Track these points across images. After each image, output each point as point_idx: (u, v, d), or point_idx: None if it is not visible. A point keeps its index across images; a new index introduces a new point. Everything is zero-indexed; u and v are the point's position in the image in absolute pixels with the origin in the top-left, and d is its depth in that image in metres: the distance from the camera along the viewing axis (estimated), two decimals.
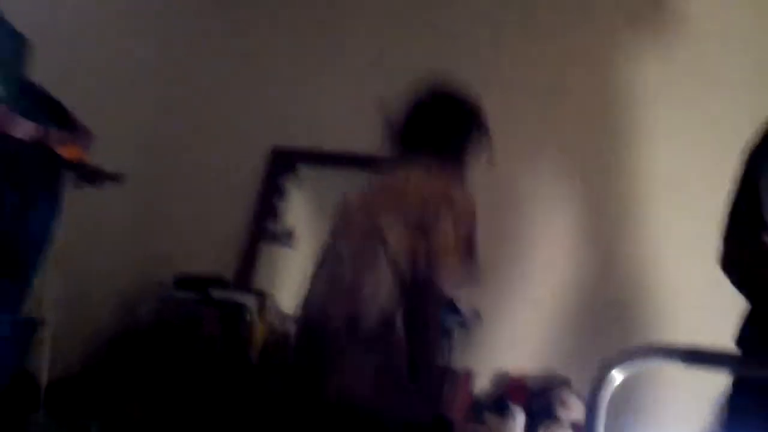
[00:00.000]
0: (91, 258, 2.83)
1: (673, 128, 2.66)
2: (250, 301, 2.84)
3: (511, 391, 2.55)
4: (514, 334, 2.71)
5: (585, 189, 2.78)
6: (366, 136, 2.25)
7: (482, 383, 2.65)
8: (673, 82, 2.69)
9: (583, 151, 2.79)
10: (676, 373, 1.02)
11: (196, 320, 2.80)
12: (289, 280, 2.97)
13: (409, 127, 1.95)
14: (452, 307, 2.58)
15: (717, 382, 1.21)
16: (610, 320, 2.59)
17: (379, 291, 1.71)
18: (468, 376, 2.56)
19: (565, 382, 2.51)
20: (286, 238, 3.08)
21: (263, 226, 3.11)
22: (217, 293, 2.86)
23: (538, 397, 2.49)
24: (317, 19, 3.35)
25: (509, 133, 2.30)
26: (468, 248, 1.82)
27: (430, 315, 1.81)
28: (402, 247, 1.74)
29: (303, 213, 3.10)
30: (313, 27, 3.34)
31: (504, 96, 2.68)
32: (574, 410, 2.42)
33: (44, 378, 2.37)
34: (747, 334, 1.24)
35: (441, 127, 1.93)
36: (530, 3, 2.99)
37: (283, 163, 3.18)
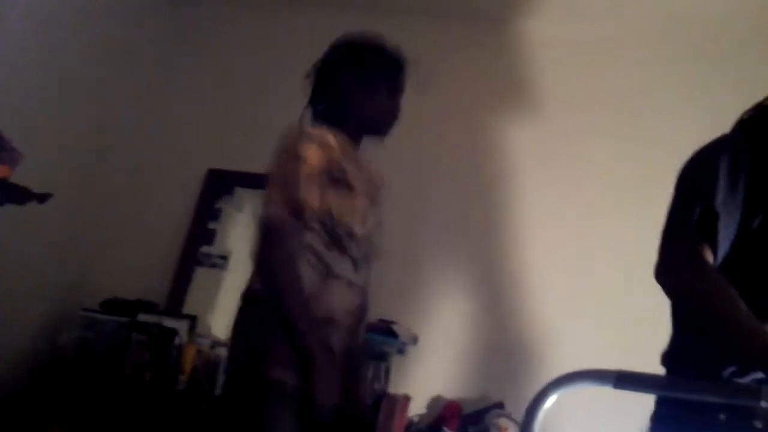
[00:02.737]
0: (12, 280, 2.69)
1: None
2: (180, 325, 2.77)
3: (446, 415, 2.56)
4: (450, 360, 2.74)
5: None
6: None
7: (418, 408, 2.66)
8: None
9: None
10: (606, 393, 1.06)
11: (122, 346, 2.71)
12: (222, 304, 2.92)
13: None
14: (390, 332, 2.59)
15: (644, 400, 1.26)
16: (542, 347, 2.67)
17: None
18: (405, 400, 2.57)
19: (499, 406, 2.55)
20: (220, 261, 3.03)
21: (197, 249, 3.05)
22: (145, 318, 2.78)
23: (472, 421, 2.52)
24: (256, 43, 3.38)
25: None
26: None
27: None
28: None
29: (240, 235, 3.06)
30: (251, 51, 3.38)
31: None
32: None
33: None
34: (677, 351, 1.29)
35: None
36: None
37: (219, 185, 3.14)
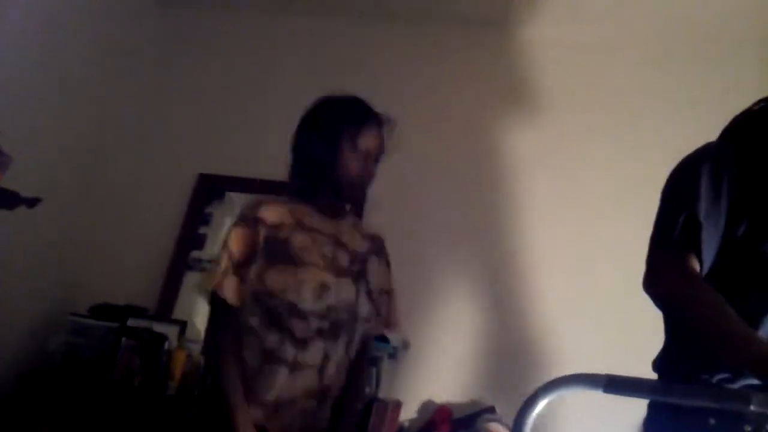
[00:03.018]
0: (1, 284, 2.66)
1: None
2: (170, 330, 2.76)
3: (437, 420, 2.56)
4: (441, 365, 2.74)
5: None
6: None
7: (409, 413, 2.66)
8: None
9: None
10: (598, 398, 1.06)
11: (112, 351, 2.69)
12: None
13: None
14: (381, 337, 2.59)
15: (636, 406, 1.26)
16: (534, 353, 2.67)
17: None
18: (396, 406, 2.56)
19: (489, 410, 2.55)
20: (211, 265, 3.01)
21: (187, 254, 3.04)
22: (135, 323, 2.76)
23: (463, 425, 2.52)
24: (248, 49, 3.39)
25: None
26: (389, 291, 1.78)
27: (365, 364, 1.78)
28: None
29: None
30: (244, 56, 3.38)
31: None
32: None
33: None
34: (668, 358, 1.29)
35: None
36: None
37: (210, 190, 3.13)
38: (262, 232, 1.55)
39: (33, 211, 2.23)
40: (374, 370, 2.58)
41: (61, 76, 2.91)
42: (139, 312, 2.84)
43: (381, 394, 2.59)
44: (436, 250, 2.89)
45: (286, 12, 3.37)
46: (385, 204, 2.88)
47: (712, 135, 1.34)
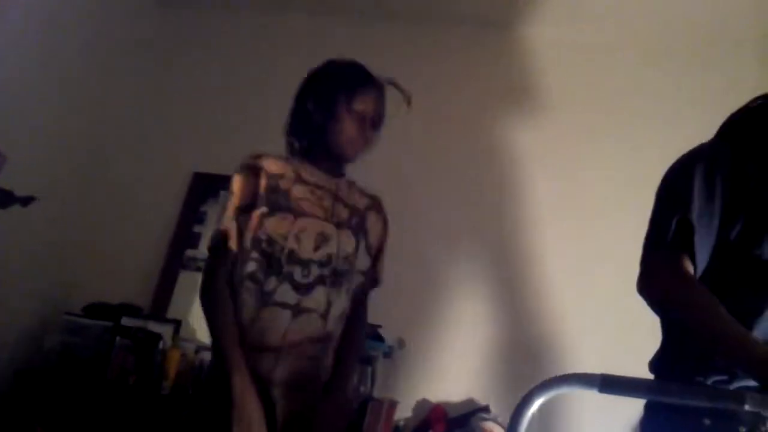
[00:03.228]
0: None
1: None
2: (164, 329, 2.76)
3: (432, 419, 2.56)
4: (437, 364, 2.74)
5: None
6: None
7: (404, 412, 2.66)
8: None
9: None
10: (593, 398, 1.07)
11: (106, 350, 2.68)
12: None
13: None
14: (376, 336, 2.59)
15: (632, 406, 1.27)
16: (529, 352, 2.67)
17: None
18: (391, 405, 2.56)
19: (484, 410, 2.55)
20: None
21: (182, 253, 3.03)
22: (129, 322, 2.76)
23: (458, 425, 2.52)
24: (247, 49, 3.38)
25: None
26: (382, 250, 1.78)
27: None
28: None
29: None
30: (240, 56, 3.37)
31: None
32: None
33: None
34: (664, 359, 1.29)
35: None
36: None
37: (205, 189, 3.12)
38: (263, 181, 1.58)
39: (28, 210, 2.22)
40: (369, 369, 2.58)
41: (61, 76, 2.90)
42: (133, 311, 2.83)
43: (376, 394, 2.59)
44: (435, 249, 2.89)
45: (285, 12, 3.36)
46: (385, 203, 2.87)
47: (711, 135, 1.34)
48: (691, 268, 1.17)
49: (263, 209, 1.55)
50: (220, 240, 1.55)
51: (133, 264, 3.03)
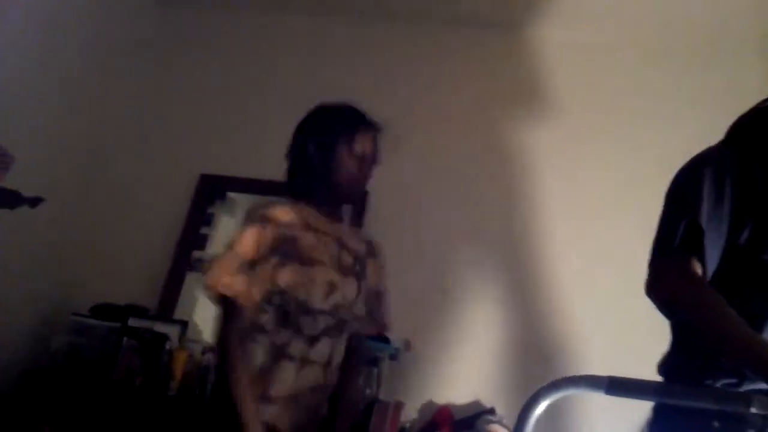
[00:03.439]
0: (3, 284, 2.67)
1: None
2: (171, 330, 2.76)
3: (438, 421, 2.56)
4: (442, 366, 2.74)
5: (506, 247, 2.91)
6: None
7: (410, 414, 2.65)
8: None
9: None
10: (600, 400, 1.07)
11: (113, 351, 2.69)
12: (213, 308, 2.90)
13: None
14: (382, 338, 2.59)
15: (639, 409, 1.26)
16: (535, 354, 2.67)
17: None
18: (397, 407, 2.56)
19: (490, 412, 2.55)
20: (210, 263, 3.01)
21: (189, 254, 3.04)
22: (136, 323, 2.76)
23: (464, 426, 2.52)
24: (248, 49, 3.39)
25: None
26: (383, 293, 1.81)
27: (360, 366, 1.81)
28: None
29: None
30: (240, 56, 3.39)
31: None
32: None
33: None
34: (673, 362, 1.29)
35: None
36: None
37: (212, 190, 3.13)
38: (273, 232, 1.56)
39: (34, 210, 2.22)
40: (375, 370, 2.58)
41: (61, 76, 2.91)
42: (140, 312, 2.84)
43: (382, 395, 2.59)
44: (438, 250, 2.89)
45: (285, 12, 3.37)
46: (386, 204, 2.89)
47: (712, 135, 1.34)
48: (699, 271, 1.17)
49: (275, 260, 1.55)
50: (226, 298, 1.52)
51: (140, 265, 3.04)
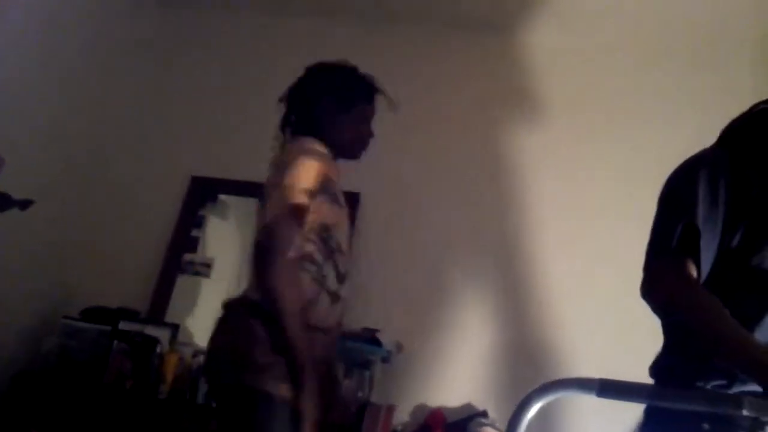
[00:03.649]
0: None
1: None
2: (161, 333, 2.75)
3: (430, 424, 2.56)
4: (435, 369, 2.73)
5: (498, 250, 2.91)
6: None
7: (402, 417, 2.65)
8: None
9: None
10: (592, 402, 1.07)
11: (104, 354, 2.67)
12: (205, 312, 2.90)
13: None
14: (374, 341, 2.58)
15: (631, 411, 1.26)
16: (528, 357, 2.67)
17: None
18: (389, 409, 2.55)
19: (482, 414, 2.55)
20: (203, 268, 3.00)
21: (180, 257, 3.02)
22: (127, 326, 2.75)
23: (456, 430, 2.52)
24: (248, 49, 3.38)
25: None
26: None
27: None
28: None
29: (223, 242, 3.04)
30: (240, 56, 3.38)
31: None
32: None
33: None
34: (665, 363, 1.29)
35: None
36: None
37: (203, 193, 3.12)
38: (325, 169, 1.61)
39: (27, 212, 2.21)
40: (367, 373, 2.57)
41: (61, 76, 2.91)
42: (131, 315, 2.82)
43: (374, 398, 2.58)
44: (434, 251, 2.89)
45: (285, 12, 3.37)
46: (385, 204, 2.88)
47: (710, 135, 1.34)
48: (695, 273, 1.18)
49: (325, 196, 1.60)
50: (296, 213, 1.51)
51: (132, 267, 3.02)
